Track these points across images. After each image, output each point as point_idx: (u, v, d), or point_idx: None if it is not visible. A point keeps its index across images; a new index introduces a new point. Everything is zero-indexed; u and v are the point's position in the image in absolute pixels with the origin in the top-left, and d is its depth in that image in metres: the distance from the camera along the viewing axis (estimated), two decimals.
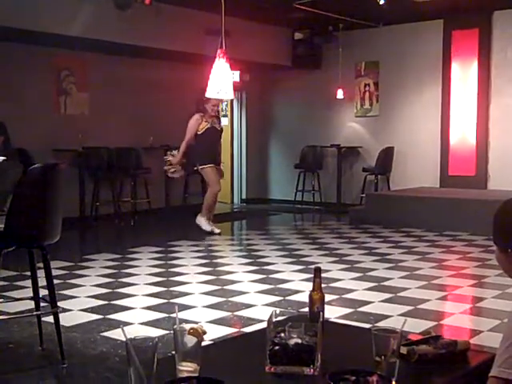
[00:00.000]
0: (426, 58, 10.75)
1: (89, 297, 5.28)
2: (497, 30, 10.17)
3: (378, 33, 11.13)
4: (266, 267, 6.49)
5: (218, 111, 9.03)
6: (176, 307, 2.26)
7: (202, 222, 8.74)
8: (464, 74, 10.46)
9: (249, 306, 5.01)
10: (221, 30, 3.26)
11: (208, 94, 3.30)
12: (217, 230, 8.74)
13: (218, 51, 3.19)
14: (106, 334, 4.25)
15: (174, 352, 1.89)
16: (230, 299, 5.21)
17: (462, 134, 10.49)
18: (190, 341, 1.86)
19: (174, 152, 8.81)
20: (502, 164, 10.13)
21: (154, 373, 1.68)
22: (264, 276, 6.08)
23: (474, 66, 10.35)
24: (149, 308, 4.93)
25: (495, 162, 10.25)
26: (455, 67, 10.52)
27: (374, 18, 10.45)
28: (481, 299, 5.27)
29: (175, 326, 1.89)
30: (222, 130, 8.99)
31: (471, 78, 10.38)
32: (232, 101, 12.53)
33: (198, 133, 8.63)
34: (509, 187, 9.39)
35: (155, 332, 4.19)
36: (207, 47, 8.38)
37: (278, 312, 2.15)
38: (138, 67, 10.19)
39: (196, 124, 8.66)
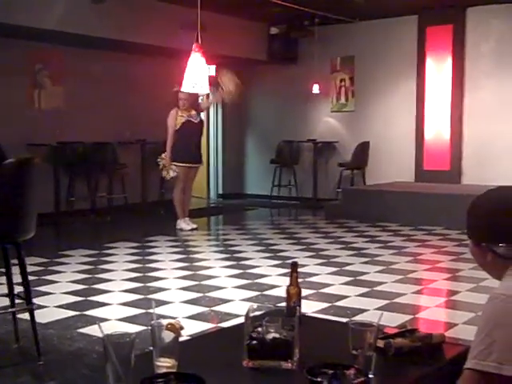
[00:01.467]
0: (401, 54, 10.82)
1: (65, 293, 5.25)
2: (470, 25, 10.26)
3: (353, 28, 11.16)
4: (242, 262, 6.50)
5: (198, 105, 8.88)
6: (153, 303, 2.25)
7: (181, 223, 8.67)
8: (438, 70, 10.55)
9: (226, 301, 5.02)
10: (196, 24, 3.25)
11: (184, 88, 3.29)
12: (192, 226, 8.69)
13: (194, 45, 3.18)
14: (82, 330, 4.23)
15: (151, 348, 1.88)
16: (207, 294, 5.21)
17: (437, 128, 10.58)
18: (168, 336, 1.86)
19: (163, 154, 8.63)
20: (476, 159, 10.23)
21: (131, 369, 1.67)
22: (241, 271, 6.09)
23: (448, 62, 10.44)
24: (126, 304, 4.91)
25: (469, 157, 10.35)
26: (430, 62, 10.60)
27: (350, 13, 10.48)
28: (456, 292, 5.33)
29: (153, 322, 1.88)
30: (201, 123, 8.83)
31: (445, 74, 10.47)
32: (207, 95, 12.48)
33: (175, 128, 8.53)
34: (482, 182, 9.47)
35: (132, 328, 4.18)
36: (183, 41, 8.30)
37: (255, 307, 2.16)
38: (114, 61, 10.11)
39: (172, 119, 8.55)
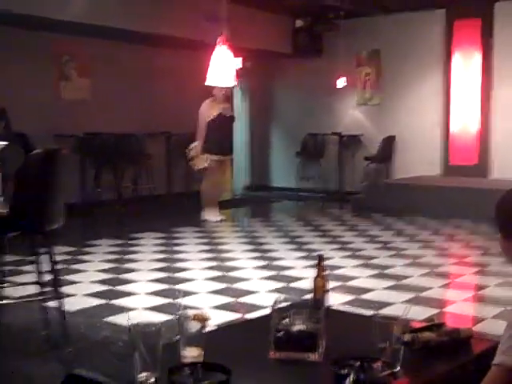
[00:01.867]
0: (428, 48, 10.70)
1: (92, 282, 5.30)
2: (499, 19, 10.12)
3: (379, 21, 11.07)
4: (268, 254, 6.50)
5: (228, 97, 8.71)
6: (179, 293, 2.26)
7: (209, 214, 8.62)
8: (466, 64, 10.43)
9: (251, 292, 5.02)
10: (222, 17, 3.25)
11: (208, 82, 3.29)
12: (221, 217, 8.68)
13: (218, 38, 3.18)
14: (109, 319, 4.27)
15: (178, 337, 1.89)
16: (233, 285, 5.23)
17: (463, 123, 10.47)
18: (194, 326, 1.87)
19: (192, 145, 8.57)
20: (504, 153, 10.11)
21: (158, 358, 1.68)
22: (267, 262, 6.10)
23: (476, 56, 10.32)
24: (152, 293, 4.94)
25: (497, 151, 10.23)
26: (457, 57, 10.48)
27: (376, 6, 10.38)
28: (483, 287, 5.27)
29: (179, 312, 1.90)
30: (232, 119, 8.75)
31: (473, 68, 10.35)
32: (233, 87, 12.49)
33: (208, 119, 8.40)
34: (511, 176, 9.37)
35: (159, 317, 4.20)
36: (208, 34, 8.33)
37: (281, 298, 2.16)
38: (140, 53, 10.16)
39: (206, 108, 8.41)
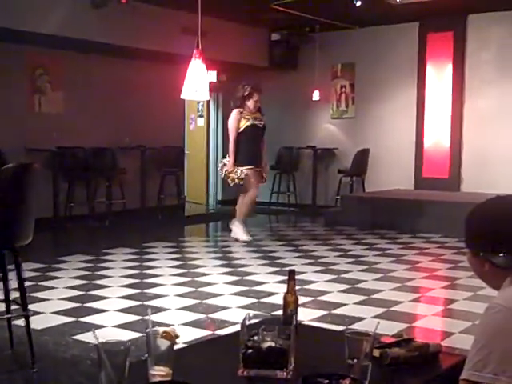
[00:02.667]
0: (402, 61, 10.83)
1: (61, 299, 5.23)
2: (471, 33, 10.28)
3: (354, 34, 11.18)
4: (240, 269, 6.48)
5: (260, 107, 8.24)
6: (149, 310, 2.24)
7: (239, 230, 8.15)
8: (439, 77, 10.56)
9: (223, 308, 5.00)
10: (197, 30, 3.25)
11: (183, 95, 3.28)
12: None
13: (194, 51, 3.18)
14: (78, 337, 4.21)
15: (147, 355, 1.87)
16: (204, 301, 5.20)
17: (437, 136, 10.59)
18: (163, 344, 1.85)
19: (225, 160, 8.17)
20: (475, 167, 10.23)
21: (125, 377, 1.66)
22: (239, 278, 6.07)
23: (448, 69, 10.46)
24: (122, 310, 4.89)
25: (468, 165, 10.35)
26: (430, 70, 10.61)
27: (351, 19, 10.50)
28: (453, 301, 5.31)
29: (148, 330, 1.87)
30: (264, 128, 8.26)
31: (446, 81, 10.48)
32: (208, 101, 12.50)
33: (239, 131, 8.01)
34: (481, 190, 9.48)
35: (129, 335, 4.16)
36: (184, 47, 8.33)
37: (251, 315, 2.15)
38: (115, 67, 10.12)
39: (235, 121, 8.02)
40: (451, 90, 10.41)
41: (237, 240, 8.09)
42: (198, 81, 3.32)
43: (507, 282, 1.68)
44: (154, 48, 9.43)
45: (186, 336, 4.03)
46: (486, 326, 1.56)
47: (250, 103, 8.03)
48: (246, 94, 8.00)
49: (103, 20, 8.57)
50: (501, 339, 1.51)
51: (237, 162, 7.95)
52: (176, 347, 1.93)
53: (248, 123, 8.02)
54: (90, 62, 9.79)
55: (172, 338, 1.87)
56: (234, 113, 8.06)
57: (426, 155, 10.68)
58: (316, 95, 11.20)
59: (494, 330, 1.54)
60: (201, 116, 12.69)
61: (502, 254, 1.69)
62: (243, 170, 7.94)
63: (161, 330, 1.89)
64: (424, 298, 5.57)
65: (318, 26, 10.77)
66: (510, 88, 9.95)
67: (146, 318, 4.31)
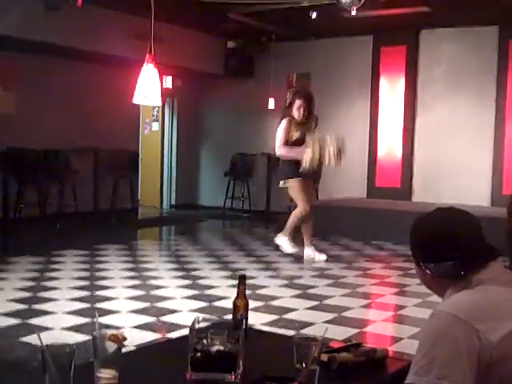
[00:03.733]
0: (356, 72, 10.96)
1: (9, 301, 5.13)
2: (423, 48, 10.47)
3: (309, 45, 11.28)
4: (193, 273, 6.46)
5: (307, 114, 7.30)
6: (96, 313, 2.22)
7: (284, 242, 7.47)
8: (391, 90, 10.73)
9: (174, 311, 4.98)
10: (150, 35, 3.23)
11: (135, 100, 3.26)
12: (322, 257, 7.36)
13: (147, 56, 3.16)
14: (24, 339, 4.13)
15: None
16: (155, 304, 5.16)
17: (389, 147, 10.74)
18: (110, 347, 1.83)
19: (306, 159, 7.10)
20: (426, 177, 10.42)
21: (70, 380, 1.64)
22: (191, 282, 6.05)
23: (401, 82, 10.63)
24: (71, 313, 4.82)
25: (419, 175, 10.53)
26: (383, 82, 10.77)
27: (307, 30, 10.58)
28: (402, 307, 5.39)
29: (95, 332, 1.85)
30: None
31: (399, 94, 10.65)
32: (163, 106, 12.46)
33: (288, 142, 7.22)
34: (431, 199, 9.66)
35: (77, 337, 4.10)
36: (138, 52, 8.26)
37: (200, 318, 2.14)
38: (70, 69, 9.98)
39: (285, 131, 7.16)
40: (404, 102, 10.58)
41: (279, 248, 7.55)
42: (149, 86, 3.31)
43: (449, 291, 1.72)
44: (109, 52, 9.33)
45: (137, 339, 4.00)
46: (430, 332, 1.59)
47: (294, 111, 7.23)
48: (288, 102, 7.27)
49: (57, 22, 8.44)
50: (444, 345, 1.54)
51: (283, 176, 7.36)
52: (124, 350, 1.91)
53: (297, 136, 7.17)
54: (44, 63, 9.63)
55: (119, 340, 1.85)
56: (284, 122, 7.24)
57: (378, 165, 10.82)
58: (271, 104, 11.24)
59: (437, 335, 1.57)
60: (156, 121, 12.63)
61: (433, 264, 1.75)
62: (291, 183, 7.28)
63: (108, 332, 1.87)
64: (374, 304, 5.64)
65: (274, 35, 10.83)
66: (459, 103, 10.17)
67: (94, 320, 4.26)
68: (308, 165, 7.03)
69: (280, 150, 7.23)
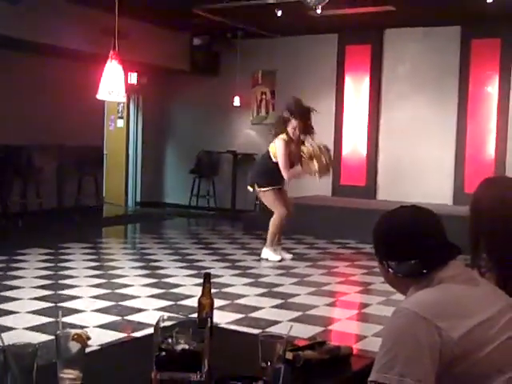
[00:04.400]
0: (322, 70, 11.01)
1: None
2: (388, 47, 10.57)
3: (275, 43, 11.30)
4: (158, 271, 6.43)
5: (299, 137, 7.28)
6: (60, 312, 2.19)
7: (269, 253, 7.33)
8: (357, 88, 10.81)
9: (139, 310, 4.95)
10: (114, 31, 3.21)
11: (99, 95, 3.24)
12: (287, 256, 7.46)
13: (111, 52, 3.14)
14: None
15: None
16: (120, 303, 5.13)
17: (354, 145, 10.82)
18: (73, 347, 1.81)
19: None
20: (390, 175, 10.52)
21: (32, 381, 1.62)
22: (156, 280, 6.03)
23: (366, 81, 10.71)
24: (35, 312, 4.76)
25: (384, 174, 10.63)
26: (348, 80, 10.84)
27: (272, 28, 10.60)
28: (367, 305, 5.45)
29: (58, 332, 1.83)
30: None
31: (363, 92, 10.73)
32: (128, 103, 12.36)
33: (274, 159, 7.25)
34: (396, 198, 9.76)
35: (41, 337, 4.05)
36: (103, 47, 8.19)
37: (165, 317, 2.13)
38: (32, 64, 9.83)
39: (286, 156, 7.14)
40: (368, 101, 10.67)
41: (267, 260, 7.34)
42: (113, 82, 3.29)
43: (412, 289, 1.75)
44: (73, 47, 9.20)
45: (101, 338, 3.97)
46: (393, 330, 1.62)
47: (289, 130, 7.22)
48: (284, 120, 7.29)
49: (19, 16, 8.31)
50: (406, 342, 1.56)
51: (259, 183, 7.38)
52: (88, 350, 1.90)
53: (290, 155, 7.20)
54: (6, 58, 9.47)
55: (83, 340, 1.83)
56: (281, 139, 7.20)
57: (343, 163, 10.89)
58: (237, 101, 11.26)
59: (399, 333, 1.59)
60: (120, 117, 12.53)
61: (395, 263, 1.77)
62: (262, 190, 7.38)
63: (72, 332, 1.85)
64: (339, 302, 5.69)
65: (240, 32, 10.83)
66: (423, 103, 10.28)
67: (57, 319, 4.22)
68: (320, 175, 7.19)
69: (288, 175, 7.26)
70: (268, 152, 7.43)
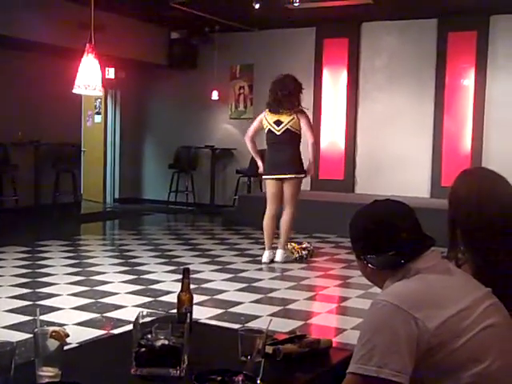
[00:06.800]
0: (299, 64, 11.00)
1: None
2: (365, 40, 10.60)
3: (253, 36, 11.29)
4: (137, 268, 6.41)
5: (289, 107, 6.86)
6: (38, 309, 2.17)
7: (283, 254, 6.91)
8: (334, 81, 10.83)
9: (118, 307, 4.93)
10: (90, 25, 3.19)
11: (75, 90, 3.21)
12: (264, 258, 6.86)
13: (87, 46, 3.12)
14: None
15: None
16: (99, 300, 5.10)
17: (332, 139, 10.84)
18: (52, 344, 1.80)
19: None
20: (368, 169, 10.56)
21: (10, 379, 1.61)
22: (135, 277, 6.00)
23: (343, 74, 10.74)
24: (12, 311, 4.72)
25: (362, 167, 10.68)
26: (326, 74, 10.86)
27: (250, 21, 10.59)
28: (346, 299, 5.47)
29: (36, 329, 1.82)
30: (285, 133, 6.85)
31: (341, 85, 10.76)
32: (106, 98, 12.28)
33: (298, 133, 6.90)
34: (374, 191, 9.82)
35: (18, 336, 4.02)
36: (80, 41, 8.10)
37: (145, 313, 2.13)
38: (7, 58, 9.72)
39: (258, 120, 7.03)
40: (346, 94, 10.70)
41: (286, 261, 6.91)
42: (90, 76, 3.27)
43: (388, 281, 1.76)
44: (49, 41, 9.12)
45: (80, 336, 3.95)
46: (370, 321, 1.63)
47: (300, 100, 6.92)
48: (298, 89, 6.98)
49: None
50: (384, 333, 1.57)
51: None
52: (67, 347, 1.89)
53: (268, 127, 6.91)
54: None
55: (61, 337, 1.82)
56: (306, 114, 7.01)
57: (321, 157, 10.90)
58: (215, 95, 11.24)
59: (377, 324, 1.60)
60: (98, 113, 12.43)
61: (372, 256, 1.79)
62: (264, 178, 7.09)
63: (50, 329, 1.84)
64: (318, 296, 5.71)
65: (218, 26, 10.81)
66: (400, 95, 10.33)
67: (35, 317, 4.19)
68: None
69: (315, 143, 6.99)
70: (288, 131, 6.84)
